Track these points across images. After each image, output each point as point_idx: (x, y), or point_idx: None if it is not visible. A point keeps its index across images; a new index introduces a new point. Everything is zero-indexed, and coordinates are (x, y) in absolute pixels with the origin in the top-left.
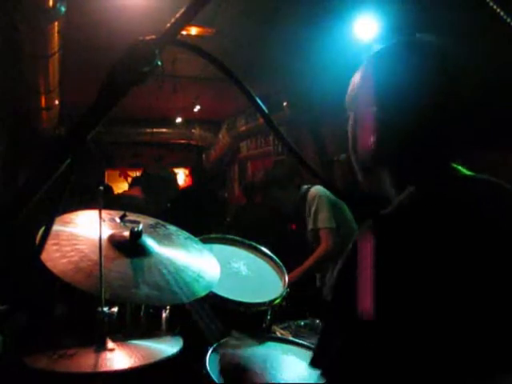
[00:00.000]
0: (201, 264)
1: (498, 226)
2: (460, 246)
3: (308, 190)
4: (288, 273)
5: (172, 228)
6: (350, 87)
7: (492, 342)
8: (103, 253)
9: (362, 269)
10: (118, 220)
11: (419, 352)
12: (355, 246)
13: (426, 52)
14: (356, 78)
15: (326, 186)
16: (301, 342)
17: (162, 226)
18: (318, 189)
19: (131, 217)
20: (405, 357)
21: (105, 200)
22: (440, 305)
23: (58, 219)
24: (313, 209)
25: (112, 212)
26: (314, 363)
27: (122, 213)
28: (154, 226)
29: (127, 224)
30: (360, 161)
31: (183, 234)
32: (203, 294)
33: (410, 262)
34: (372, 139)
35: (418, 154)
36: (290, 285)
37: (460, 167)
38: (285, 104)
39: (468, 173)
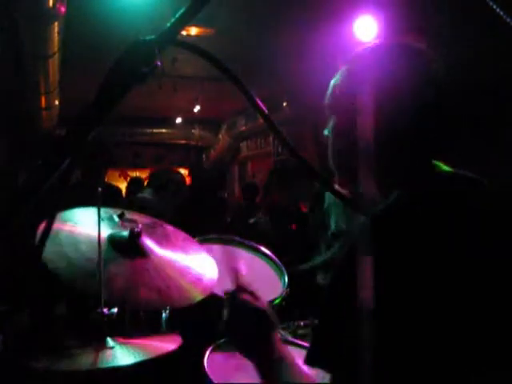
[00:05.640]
0: (199, 266)
1: (480, 220)
2: (449, 242)
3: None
4: (288, 273)
5: (170, 228)
6: (331, 90)
7: (490, 338)
8: (103, 254)
9: (360, 268)
10: (116, 219)
11: (420, 349)
12: (352, 245)
13: (405, 53)
14: (337, 82)
15: (325, 186)
16: (301, 342)
17: (160, 225)
18: None
19: (129, 215)
20: (405, 353)
21: (116, 204)
22: (435, 301)
23: (58, 219)
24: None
25: (110, 210)
26: (311, 361)
27: (120, 211)
28: (151, 226)
29: (125, 223)
30: (342, 165)
31: (181, 234)
32: (201, 297)
33: (401, 263)
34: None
35: (399, 154)
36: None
37: (439, 163)
38: (285, 104)
39: (447, 169)
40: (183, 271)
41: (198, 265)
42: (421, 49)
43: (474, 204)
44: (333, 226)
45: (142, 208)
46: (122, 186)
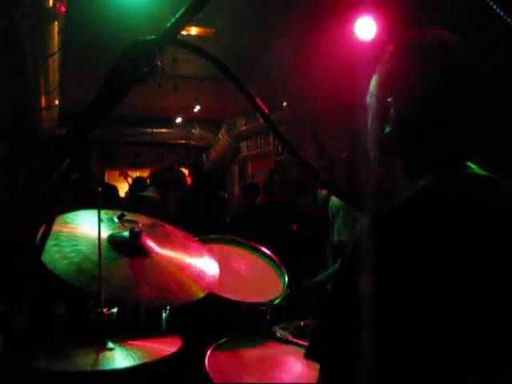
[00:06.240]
0: (200, 264)
1: (504, 226)
2: (466, 245)
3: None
4: (288, 273)
5: (170, 227)
6: (370, 86)
7: (496, 340)
8: (103, 254)
9: (365, 265)
10: (116, 220)
11: (421, 348)
12: (358, 243)
13: (432, 47)
14: (373, 77)
15: (326, 187)
16: (301, 341)
17: (160, 225)
18: None
19: (129, 216)
20: (406, 352)
21: (116, 203)
22: (445, 303)
23: (58, 219)
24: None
25: (110, 212)
26: (309, 354)
27: (119, 212)
28: (151, 226)
29: (126, 224)
30: (377, 154)
31: (181, 233)
32: (203, 293)
33: (415, 260)
34: (383, 132)
35: (427, 148)
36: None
37: (473, 165)
38: (285, 104)
39: (480, 171)
40: (184, 268)
41: (199, 262)
42: (436, 40)
43: (498, 208)
44: (336, 237)
45: (143, 205)
46: (122, 185)
